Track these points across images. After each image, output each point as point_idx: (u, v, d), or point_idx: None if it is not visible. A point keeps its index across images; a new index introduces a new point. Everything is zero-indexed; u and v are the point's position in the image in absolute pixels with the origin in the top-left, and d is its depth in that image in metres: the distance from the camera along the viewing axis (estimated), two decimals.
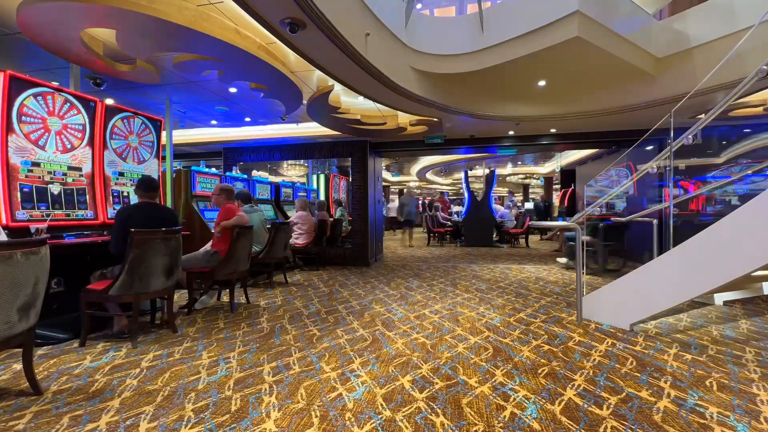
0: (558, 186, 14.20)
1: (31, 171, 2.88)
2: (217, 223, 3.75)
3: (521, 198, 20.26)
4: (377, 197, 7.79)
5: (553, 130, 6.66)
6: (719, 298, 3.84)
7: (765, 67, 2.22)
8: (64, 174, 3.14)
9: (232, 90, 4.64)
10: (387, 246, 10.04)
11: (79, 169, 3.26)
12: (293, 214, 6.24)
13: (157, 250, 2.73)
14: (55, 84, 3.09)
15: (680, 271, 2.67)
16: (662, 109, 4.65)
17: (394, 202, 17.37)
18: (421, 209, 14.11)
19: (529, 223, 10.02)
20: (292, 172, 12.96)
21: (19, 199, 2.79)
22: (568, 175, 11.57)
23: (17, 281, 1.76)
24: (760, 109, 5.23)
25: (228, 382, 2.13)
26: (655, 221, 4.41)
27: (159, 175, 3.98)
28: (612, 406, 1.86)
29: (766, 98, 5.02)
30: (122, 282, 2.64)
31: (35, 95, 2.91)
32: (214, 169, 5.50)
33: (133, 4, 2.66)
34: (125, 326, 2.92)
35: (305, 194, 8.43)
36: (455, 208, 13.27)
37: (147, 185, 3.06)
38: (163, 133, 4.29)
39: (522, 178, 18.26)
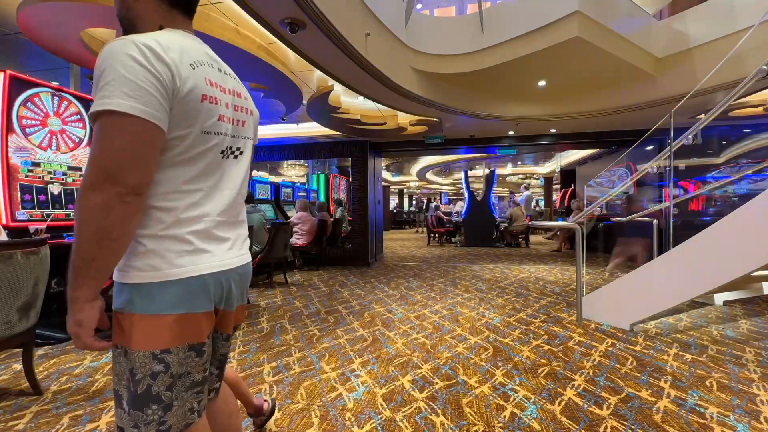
0: (558, 186, 14.21)
1: (31, 171, 2.89)
2: None
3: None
4: (377, 197, 7.79)
5: (553, 130, 6.66)
6: (719, 298, 3.84)
7: (765, 67, 2.22)
8: (64, 174, 3.14)
9: None
10: (387, 246, 10.05)
11: (79, 169, 3.26)
12: (293, 215, 6.24)
13: None
14: (55, 84, 3.09)
15: (680, 271, 2.67)
16: (662, 109, 4.65)
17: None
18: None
19: (529, 222, 10.03)
20: (292, 172, 12.96)
21: (19, 199, 2.79)
22: (568, 175, 11.58)
23: (17, 281, 1.77)
24: (760, 109, 5.23)
25: None
26: (655, 221, 4.41)
27: None
28: (612, 406, 1.86)
29: (766, 98, 5.02)
30: None
31: (36, 95, 2.91)
32: None
33: None
34: None
35: (305, 194, 8.43)
36: (456, 207, 13.10)
37: None
38: None
39: (522, 178, 18.27)
